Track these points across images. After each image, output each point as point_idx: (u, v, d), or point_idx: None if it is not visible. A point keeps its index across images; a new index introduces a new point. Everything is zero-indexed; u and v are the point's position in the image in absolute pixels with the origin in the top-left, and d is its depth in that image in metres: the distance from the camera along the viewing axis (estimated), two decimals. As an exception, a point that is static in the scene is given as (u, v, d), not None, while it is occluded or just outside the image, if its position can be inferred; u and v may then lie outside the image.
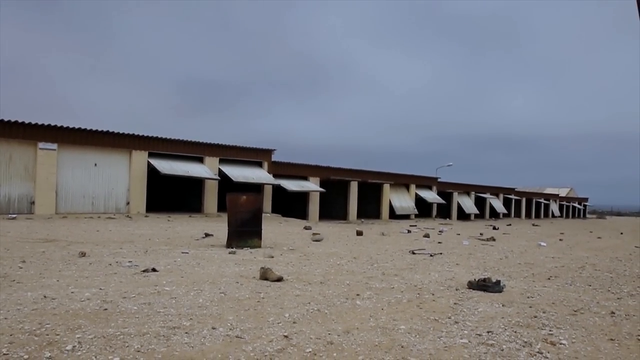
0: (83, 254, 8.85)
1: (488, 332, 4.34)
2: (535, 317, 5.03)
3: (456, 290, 6.53)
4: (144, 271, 7.16)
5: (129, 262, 8.13)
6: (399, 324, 4.52)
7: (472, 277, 7.64)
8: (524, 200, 59.40)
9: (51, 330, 3.89)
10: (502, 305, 5.55)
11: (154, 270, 7.29)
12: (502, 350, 3.82)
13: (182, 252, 10.00)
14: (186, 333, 3.95)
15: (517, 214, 58.61)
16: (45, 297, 5.12)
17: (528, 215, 61.30)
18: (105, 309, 4.66)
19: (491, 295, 6.15)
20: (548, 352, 3.81)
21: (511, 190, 57.90)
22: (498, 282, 6.60)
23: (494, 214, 53.60)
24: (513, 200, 57.18)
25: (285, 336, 3.98)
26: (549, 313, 5.23)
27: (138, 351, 3.47)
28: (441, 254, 11.70)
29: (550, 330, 4.48)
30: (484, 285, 6.53)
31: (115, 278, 6.52)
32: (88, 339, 3.69)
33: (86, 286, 5.85)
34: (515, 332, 4.38)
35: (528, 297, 6.13)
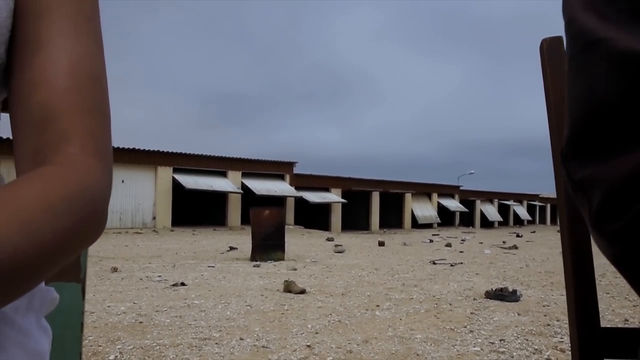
0: (115, 269, 9.29)
1: (501, 340, 4.56)
2: (549, 325, 5.22)
3: (474, 300, 6.73)
4: (173, 285, 7.53)
5: (159, 276, 8.52)
6: (416, 334, 4.77)
7: (490, 286, 7.82)
8: (548, 206, 58.74)
9: (94, 341, 4.25)
10: (518, 314, 5.75)
11: (182, 284, 7.66)
12: (513, 357, 4.04)
13: (209, 266, 10.37)
14: (216, 344, 4.27)
15: (542, 221, 57.96)
16: (84, 311, 5.51)
17: (553, 222, 60.56)
18: (141, 322, 5.01)
19: (507, 305, 6.34)
20: (556, 359, 4.02)
21: (535, 197, 57.34)
22: (515, 291, 6.79)
23: (518, 221, 53.12)
24: (537, 207, 56.61)
25: (308, 346, 4.26)
26: (563, 321, 5.41)
27: (173, 360, 3.79)
28: (462, 263, 11.85)
29: (561, 338, 4.67)
30: (501, 295, 6.72)
31: (147, 292, 6.90)
32: (128, 349, 4.04)
33: (121, 300, 6.22)
34: (527, 340, 4.58)
35: (544, 306, 6.30)
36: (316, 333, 4.74)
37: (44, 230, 0.44)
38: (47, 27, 0.58)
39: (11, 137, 0.60)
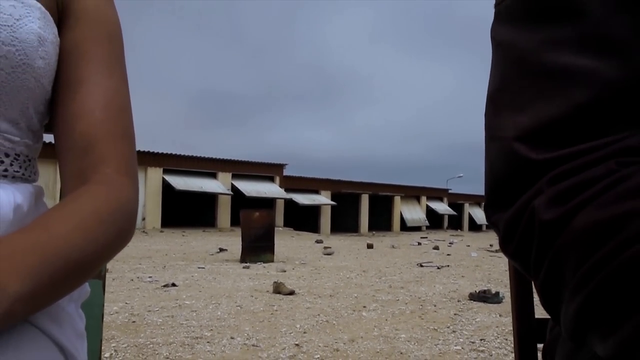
0: (106, 270, 9.38)
1: (481, 339, 4.76)
2: (528, 326, 5.43)
3: (458, 301, 6.93)
4: (164, 286, 7.65)
5: (150, 277, 8.64)
6: (400, 333, 4.95)
7: (475, 288, 8.03)
8: (536, 210, 59.41)
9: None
10: (499, 315, 5.95)
11: (173, 285, 7.79)
12: (492, 355, 4.24)
13: (199, 267, 10.50)
14: (208, 342, 4.42)
15: (530, 225, 58.58)
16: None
17: (540, 226, 61.14)
18: (134, 321, 5.15)
19: (490, 306, 6.55)
20: (533, 357, 4.22)
21: (523, 201, 57.95)
22: (497, 293, 7.00)
23: (506, 224, 53.66)
24: (525, 211, 57.20)
25: (297, 344, 4.43)
26: (542, 322, 5.63)
27: (167, 358, 3.94)
28: (448, 266, 12.08)
29: (539, 338, 4.88)
30: (484, 297, 6.93)
31: (139, 292, 7.02)
32: (122, 347, 4.18)
33: (113, 300, 6.35)
34: (506, 339, 4.78)
35: (525, 308, 6.52)
36: (304, 332, 4.90)
37: (97, 237, 0.62)
38: (86, 67, 0.75)
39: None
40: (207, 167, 29.36)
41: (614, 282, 0.33)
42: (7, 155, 0.68)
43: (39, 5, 0.69)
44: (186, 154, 28.27)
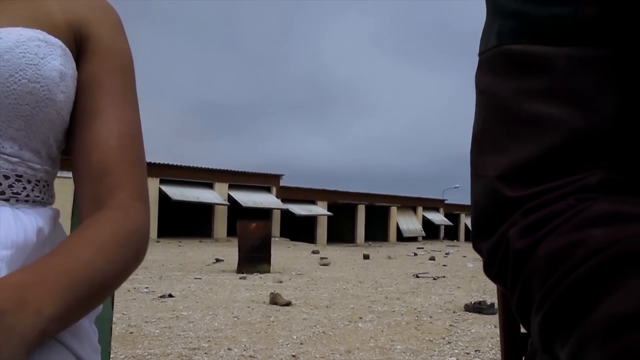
0: (103, 281, 9.39)
1: (476, 350, 4.80)
2: (523, 337, 5.48)
3: (453, 312, 6.98)
4: (161, 297, 7.67)
5: (146, 287, 8.65)
6: (396, 345, 4.99)
7: (470, 299, 8.07)
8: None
9: (86, 351, 4.41)
10: (494, 326, 6.00)
11: (170, 295, 7.81)
12: (486, 367, 4.29)
13: (195, 278, 10.51)
14: (205, 353, 4.45)
15: (526, 235, 58.76)
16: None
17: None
18: (131, 332, 5.17)
19: (485, 317, 6.59)
20: (528, 369, 4.27)
21: (519, 211, 58.15)
22: (492, 304, 7.05)
23: (502, 235, 53.81)
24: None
25: (293, 356, 4.46)
26: (536, 334, 5.68)
27: (164, 369, 3.97)
28: (444, 277, 12.12)
29: (533, 349, 4.93)
30: (479, 308, 6.98)
31: (135, 303, 7.04)
32: (120, 358, 4.20)
33: (110, 312, 6.37)
34: (501, 351, 4.84)
35: (520, 319, 6.57)
36: (301, 344, 4.94)
37: (117, 260, 0.68)
38: (101, 99, 0.81)
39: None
40: (204, 177, 29.40)
41: (562, 302, 0.39)
42: (29, 182, 0.74)
43: (60, 43, 0.75)
44: (182, 164, 28.34)
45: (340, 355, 4.55)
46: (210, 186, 29.69)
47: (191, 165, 28.84)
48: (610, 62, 0.50)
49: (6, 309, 0.50)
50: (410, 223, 42.83)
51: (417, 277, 12.04)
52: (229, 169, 30.70)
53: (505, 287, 0.51)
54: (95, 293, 0.63)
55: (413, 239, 41.69)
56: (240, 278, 10.73)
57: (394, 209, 40.80)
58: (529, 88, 0.52)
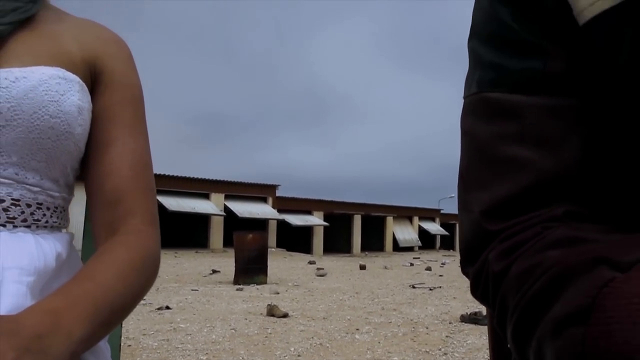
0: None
1: (472, 362, 4.85)
2: (518, 348, 5.53)
3: (450, 323, 7.02)
4: (158, 309, 7.69)
5: (143, 299, 8.66)
6: (393, 356, 5.03)
7: (466, 310, 8.12)
8: (527, 230, 59.76)
9: (85, 364, 4.43)
10: (490, 338, 6.06)
11: (167, 307, 7.82)
12: (482, 377, 4.33)
13: (192, 290, 10.52)
14: (203, 366, 4.49)
15: (521, 244, 58.88)
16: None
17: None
18: (129, 345, 5.19)
19: (481, 328, 6.64)
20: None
21: (514, 221, 58.32)
22: (488, 315, 7.11)
23: (498, 244, 53.90)
24: (517, 231, 57.54)
25: (291, 368, 4.50)
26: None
27: (163, 382, 4.00)
28: (440, 287, 12.16)
29: None
30: (475, 319, 7.03)
31: (133, 316, 7.05)
32: (119, 371, 4.23)
33: (108, 324, 6.39)
34: (497, 361, 4.89)
35: (515, 330, 6.62)
36: (298, 356, 4.97)
37: (133, 283, 0.74)
38: (114, 129, 0.88)
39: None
40: (200, 187, 29.41)
41: (525, 313, 0.47)
42: (48, 209, 0.80)
43: (77, 79, 0.82)
44: (179, 175, 28.34)
45: (338, 366, 4.59)
46: (206, 197, 29.69)
47: (187, 175, 28.85)
48: (575, 110, 0.58)
49: (42, 333, 0.56)
50: (406, 233, 42.87)
51: (414, 287, 12.08)
52: (225, 179, 30.73)
53: (488, 305, 0.58)
54: (115, 316, 0.70)
55: (409, 249, 41.70)
56: (237, 289, 10.75)
57: (390, 219, 40.85)
58: (505, 132, 0.59)
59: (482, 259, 0.57)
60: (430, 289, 11.64)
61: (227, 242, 27.83)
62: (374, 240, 40.92)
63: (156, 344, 5.31)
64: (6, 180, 0.74)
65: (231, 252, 14.23)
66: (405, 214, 43.51)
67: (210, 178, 29.95)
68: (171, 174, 27.91)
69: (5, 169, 0.73)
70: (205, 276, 13.96)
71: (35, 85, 0.75)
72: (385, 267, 19.99)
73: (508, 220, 0.56)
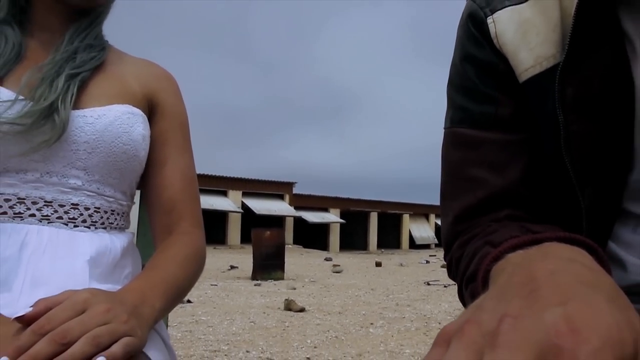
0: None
1: (482, 355, 5.04)
2: (528, 342, 5.69)
3: (462, 319, 7.20)
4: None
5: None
6: (405, 349, 5.24)
7: (479, 307, 8.28)
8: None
9: (115, 352, 4.72)
10: (501, 333, 6.23)
11: (189, 301, 8.12)
12: (491, 369, 4.52)
13: (212, 285, 10.83)
14: (225, 355, 4.74)
15: (539, 243, 58.35)
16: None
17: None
18: (155, 336, 5.48)
19: (493, 324, 6.81)
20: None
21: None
22: (500, 311, 7.26)
23: (516, 242, 53.52)
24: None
25: (308, 358, 4.74)
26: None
27: (188, 369, 4.27)
28: (455, 284, 12.29)
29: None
30: (488, 315, 7.20)
31: (156, 309, 7.35)
32: (146, 359, 4.51)
33: (133, 316, 6.69)
34: (506, 355, 5.06)
35: (527, 326, 6.77)
36: (315, 347, 5.21)
37: (189, 273, 0.98)
38: (167, 151, 1.11)
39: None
40: (218, 185, 29.81)
41: (468, 277, 0.68)
42: (118, 214, 1.04)
43: (140, 112, 1.05)
44: (197, 173, 28.75)
45: (352, 358, 4.81)
46: (224, 194, 30.09)
47: (205, 173, 29.26)
48: (518, 143, 0.79)
49: (137, 304, 0.80)
50: (422, 230, 42.88)
51: (428, 284, 12.24)
52: (243, 177, 31.09)
53: (455, 281, 0.80)
54: (178, 296, 0.94)
55: (426, 247, 41.71)
56: (255, 285, 11.03)
57: (406, 217, 40.90)
58: (468, 158, 0.81)
59: (452, 249, 0.79)
60: (445, 286, 11.79)
61: (245, 239, 28.20)
62: (390, 238, 41.02)
63: (180, 334, 5.58)
64: (91, 193, 0.98)
65: (248, 249, 14.54)
66: (421, 211, 43.51)
67: (228, 175, 30.34)
68: (190, 172, 28.38)
69: (91, 185, 0.97)
70: (224, 272, 14.28)
71: (112, 121, 0.98)
72: (401, 265, 20.15)
73: (469, 222, 0.78)
